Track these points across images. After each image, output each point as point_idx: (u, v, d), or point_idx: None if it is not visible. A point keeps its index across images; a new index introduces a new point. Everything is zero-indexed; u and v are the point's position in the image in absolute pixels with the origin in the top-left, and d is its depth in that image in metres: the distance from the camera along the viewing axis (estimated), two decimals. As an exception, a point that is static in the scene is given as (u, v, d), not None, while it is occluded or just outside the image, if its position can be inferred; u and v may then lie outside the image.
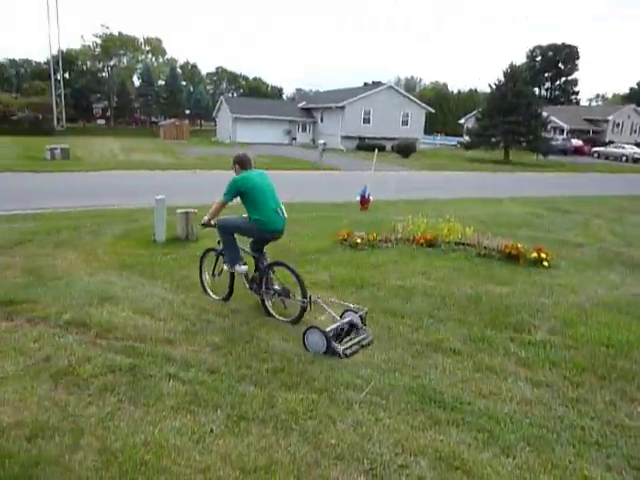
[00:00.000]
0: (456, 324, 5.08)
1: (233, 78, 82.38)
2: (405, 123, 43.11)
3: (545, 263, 7.38)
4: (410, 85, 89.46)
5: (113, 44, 68.79)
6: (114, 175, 18.16)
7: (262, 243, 5.27)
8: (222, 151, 32.26)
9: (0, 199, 12.08)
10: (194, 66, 76.80)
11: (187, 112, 68.43)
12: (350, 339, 4.49)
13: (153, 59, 75.69)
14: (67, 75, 61.45)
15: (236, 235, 5.28)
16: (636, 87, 79.91)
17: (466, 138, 41.86)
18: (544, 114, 35.83)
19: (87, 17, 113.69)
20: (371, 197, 12.25)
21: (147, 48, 74.71)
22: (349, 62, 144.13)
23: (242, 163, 5.23)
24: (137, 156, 26.47)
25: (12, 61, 77.44)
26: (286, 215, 5.23)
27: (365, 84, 64.26)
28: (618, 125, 53.75)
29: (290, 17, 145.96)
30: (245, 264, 5.24)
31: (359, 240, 8.05)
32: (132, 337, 4.45)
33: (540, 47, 77.22)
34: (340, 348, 4.25)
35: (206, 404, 3.43)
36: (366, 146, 38.41)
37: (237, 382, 3.74)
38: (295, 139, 45.38)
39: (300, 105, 48.98)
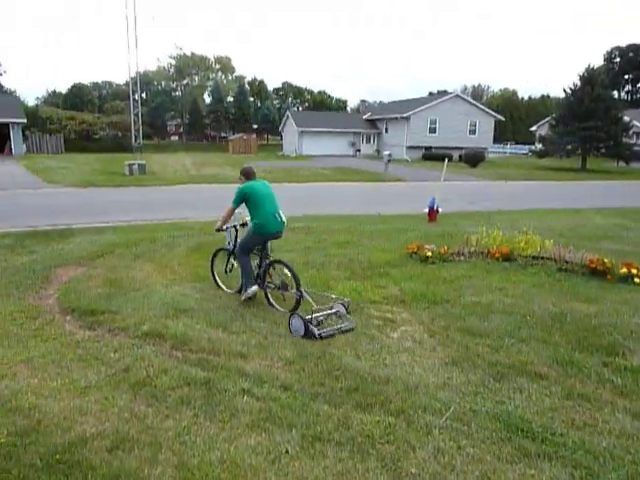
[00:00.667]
0: (540, 345, 4.73)
1: (298, 92, 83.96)
2: (473, 132, 41.95)
3: (636, 280, 6.77)
4: (477, 93, 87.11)
5: (186, 64, 72.35)
6: (186, 189, 18.91)
7: (264, 243, 5.86)
8: (288, 164, 32.82)
9: (84, 212, 12.88)
10: (261, 82, 79.08)
11: (254, 127, 70.45)
12: (332, 325, 4.99)
13: (223, 77, 78.75)
14: (144, 95, 65.32)
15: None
16: None
17: (538, 146, 40.07)
18: (625, 118, 33.61)
19: (163, 39, 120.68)
20: (440, 209, 11.90)
21: (217, 66, 77.87)
22: (413, 72, 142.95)
23: (247, 175, 5.95)
24: (208, 170, 27.46)
25: (95, 84, 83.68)
26: (284, 220, 5.77)
27: (430, 94, 63.45)
28: None
29: (354, 31, 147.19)
30: (254, 284, 5.75)
31: (430, 253, 7.79)
32: (206, 350, 4.50)
33: (619, 48, 72.74)
34: (316, 331, 4.79)
35: (280, 422, 3.37)
36: (432, 156, 37.74)
37: (311, 400, 3.65)
38: (359, 150, 45.39)
39: (364, 117, 48.99)
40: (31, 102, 69.13)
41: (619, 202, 16.56)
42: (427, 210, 11.89)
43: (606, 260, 7.11)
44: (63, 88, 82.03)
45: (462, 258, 7.91)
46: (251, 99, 74.53)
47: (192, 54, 73.28)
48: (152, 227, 10.97)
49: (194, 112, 69.64)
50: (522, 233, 8.36)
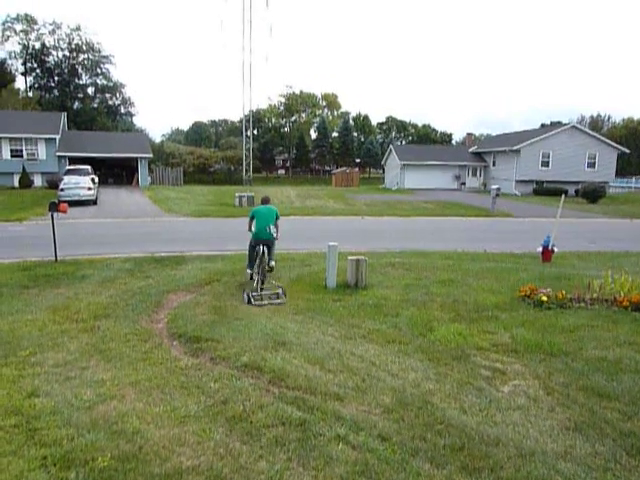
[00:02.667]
0: (686, 416, 4.00)
1: (402, 126, 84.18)
2: (591, 165, 38.80)
3: None
4: (596, 123, 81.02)
5: (295, 101, 76.03)
6: (290, 220, 19.47)
7: (260, 246, 7.91)
8: (389, 197, 32.69)
9: (197, 241, 13.69)
10: (365, 117, 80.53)
11: (357, 160, 71.61)
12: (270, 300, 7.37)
13: (329, 113, 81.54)
14: (255, 131, 69.53)
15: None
16: None
17: (671, 180, 35.95)
18: None
19: (274, 79, 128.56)
20: (555, 248, 10.95)
21: (324, 103, 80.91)
22: (523, 102, 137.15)
23: (263, 201, 8.64)
24: (311, 202, 28.16)
25: (213, 121, 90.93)
26: (273, 233, 8.11)
27: (542, 125, 60.30)
28: None
29: (459, 60, 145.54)
30: (249, 269, 8.37)
31: (545, 298, 7.10)
32: (303, 388, 4.39)
33: None
34: (252, 300, 7.27)
35: (377, 478, 3.12)
36: (544, 191, 35.43)
37: (411, 456, 3.36)
38: (464, 184, 44.00)
39: (470, 150, 47.62)
40: (157, 138, 76.76)
41: None
42: (541, 249, 11.00)
43: None
44: (185, 126, 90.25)
45: (582, 305, 7.12)
46: (355, 134, 76.07)
47: (301, 92, 76.93)
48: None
49: (300, 147, 72.57)
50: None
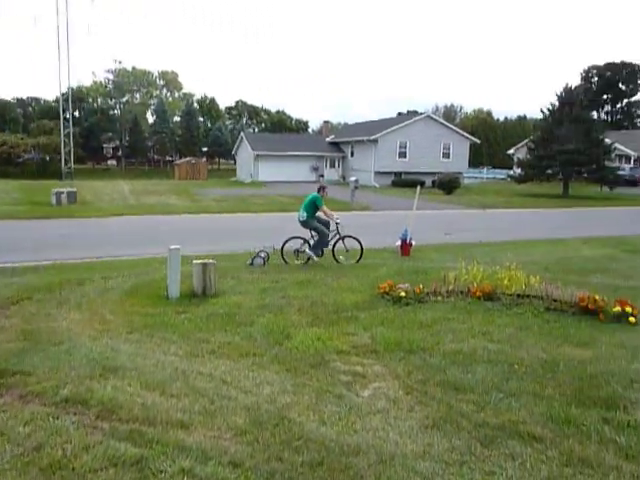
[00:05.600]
0: (532, 400, 4.63)
1: (254, 112, 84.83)
2: (446, 156, 43.09)
3: (631, 319, 6.86)
4: (450, 114, 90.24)
5: (126, 79, 72.10)
6: (124, 221, 18.46)
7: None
8: (243, 192, 32.75)
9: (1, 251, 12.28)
10: (212, 100, 79.48)
11: (204, 150, 70.40)
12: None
13: (168, 94, 78.81)
14: (77, 113, 64.43)
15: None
16: None
17: (517, 170, 41.48)
18: (607, 140, 35.28)
19: (100, 52, 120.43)
20: (413, 242, 11.95)
21: (162, 82, 77.99)
22: (380, 91, 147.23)
23: (318, 190, 11.20)
24: (150, 199, 27.03)
25: (19, 100, 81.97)
26: (301, 217, 10.91)
27: (399, 114, 65.31)
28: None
29: (313, 44, 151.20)
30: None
31: (403, 293, 7.70)
32: (139, 419, 4.17)
33: (596, 67, 77.18)
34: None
35: (228, 511, 3.09)
36: (402, 182, 38.45)
37: (266, 480, 3.40)
38: (322, 176, 45.78)
39: (328, 139, 49.70)
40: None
41: (606, 231, 17.13)
42: (399, 243, 11.91)
43: (597, 297, 7.19)
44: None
45: (440, 298, 7.86)
46: (200, 119, 74.68)
47: (133, 68, 73.22)
48: (82, 267, 10.55)
49: (135, 133, 68.99)
50: (505, 268, 8.42)
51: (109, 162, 74.82)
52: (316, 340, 6.03)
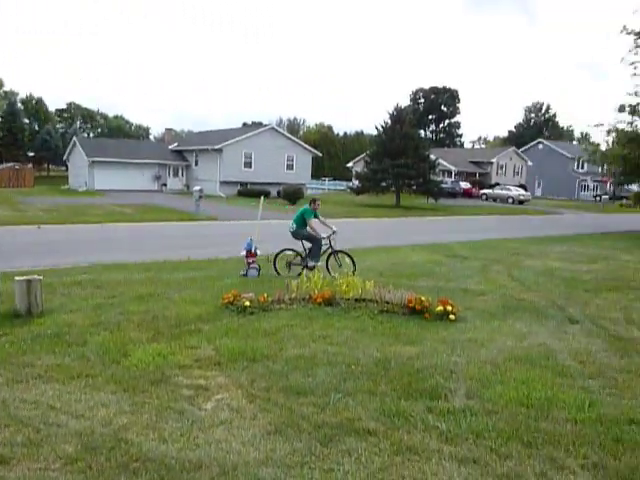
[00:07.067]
0: (367, 397, 4.94)
1: (89, 115, 79.34)
2: (290, 167, 44.28)
3: (451, 316, 7.63)
4: (293, 127, 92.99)
5: None
6: None
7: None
8: (75, 201, 30.44)
9: None
10: (39, 101, 72.67)
11: (31, 154, 64.16)
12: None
13: (-15, 92, 70.53)
14: None
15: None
16: (514, 130, 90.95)
17: (355, 183, 43.95)
18: (432, 156, 39.00)
19: None
20: (258, 251, 12.04)
21: (-23, 79, 69.58)
22: (225, 102, 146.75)
23: (310, 203, 11.18)
24: (-38, 209, 23.85)
25: None
26: (291, 229, 11.02)
27: (244, 124, 65.68)
28: (502, 167, 60.44)
29: (155, 48, 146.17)
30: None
31: (248, 303, 7.75)
32: (-54, 460, 3.67)
33: (422, 90, 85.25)
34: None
35: None
36: (249, 192, 38.64)
37: (99, 509, 3.19)
38: (165, 185, 44.32)
39: (171, 147, 48.25)
40: None
41: (431, 237, 18.88)
42: (244, 253, 11.92)
43: (423, 298, 7.91)
44: None
45: (283, 306, 8.03)
46: (26, 120, 67.96)
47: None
48: None
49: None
50: (343, 275, 8.87)
51: None
52: (157, 356, 5.81)
